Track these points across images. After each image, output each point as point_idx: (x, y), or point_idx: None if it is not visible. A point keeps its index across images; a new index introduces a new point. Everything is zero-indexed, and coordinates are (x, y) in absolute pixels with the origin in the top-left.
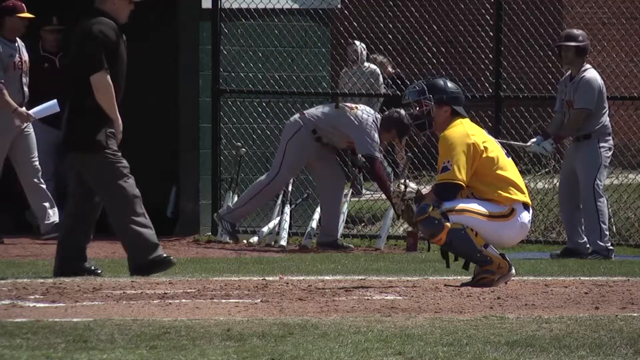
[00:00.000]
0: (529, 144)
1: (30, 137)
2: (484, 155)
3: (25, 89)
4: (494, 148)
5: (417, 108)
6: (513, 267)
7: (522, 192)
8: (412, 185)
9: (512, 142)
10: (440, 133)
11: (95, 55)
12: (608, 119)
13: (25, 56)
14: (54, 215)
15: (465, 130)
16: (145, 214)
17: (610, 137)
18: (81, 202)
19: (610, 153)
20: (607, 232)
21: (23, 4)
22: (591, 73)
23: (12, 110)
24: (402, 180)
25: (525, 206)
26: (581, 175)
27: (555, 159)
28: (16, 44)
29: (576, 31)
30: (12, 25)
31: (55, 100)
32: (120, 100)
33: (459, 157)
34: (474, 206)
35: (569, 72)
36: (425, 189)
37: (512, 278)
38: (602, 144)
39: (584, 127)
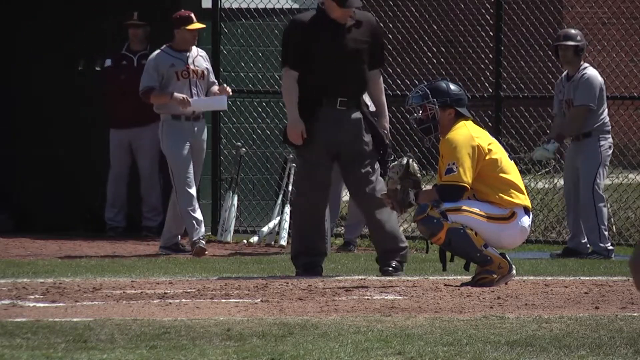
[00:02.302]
0: (533, 153)
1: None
2: (488, 157)
3: (195, 97)
4: (497, 150)
5: (421, 112)
6: (514, 268)
7: (524, 196)
8: (416, 167)
9: (518, 156)
10: (445, 136)
11: (283, 51)
12: (607, 117)
13: (197, 66)
14: (197, 234)
15: (469, 133)
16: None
17: (610, 135)
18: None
19: (610, 151)
20: (607, 233)
21: (192, 15)
22: (591, 71)
23: (170, 98)
24: (407, 159)
25: (526, 210)
26: (582, 175)
27: (555, 159)
28: (186, 54)
29: (573, 30)
30: (180, 37)
31: (224, 97)
32: (331, 100)
33: (464, 159)
34: (475, 207)
35: (565, 72)
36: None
37: (513, 278)
38: (602, 142)
39: (585, 125)
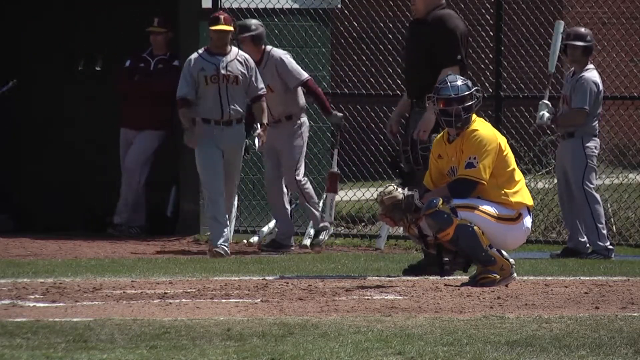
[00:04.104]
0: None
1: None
2: (502, 154)
3: (225, 102)
4: (508, 149)
5: (455, 105)
6: (515, 270)
7: (528, 196)
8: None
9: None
10: (462, 130)
11: None
12: (597, 121)
13: (229, 71)
14: (219, 240)
15: (493, 130)
16: None
17: (597, 138)
18: None
19: (596, 153)
20: (605, 232)
21: (221, 16)
22: (591, 73)
23: (189, 126)
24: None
25: (529, 210)
26: (571, 177)
27: (553, 157)
28: (220, 58)
29: (583, 30)
30: (211, 38)
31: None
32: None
33: (487, 156)
34: (484, 206)
35: (572, 68)
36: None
37: (513, 280)
38: (587, 144)
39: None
